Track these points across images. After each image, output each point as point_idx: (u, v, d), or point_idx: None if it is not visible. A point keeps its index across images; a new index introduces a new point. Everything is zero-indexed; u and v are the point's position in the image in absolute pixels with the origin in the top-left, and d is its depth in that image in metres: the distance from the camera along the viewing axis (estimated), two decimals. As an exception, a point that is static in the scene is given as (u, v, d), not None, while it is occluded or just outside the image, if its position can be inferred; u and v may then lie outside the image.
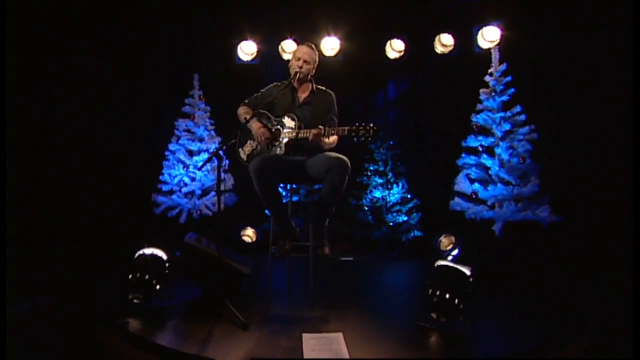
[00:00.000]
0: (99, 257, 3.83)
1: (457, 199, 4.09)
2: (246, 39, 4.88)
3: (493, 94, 4.11)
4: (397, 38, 4.82)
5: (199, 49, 4.86)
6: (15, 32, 3.23)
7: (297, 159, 2.90)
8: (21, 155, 3.71)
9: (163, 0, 4.53)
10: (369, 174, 4.94)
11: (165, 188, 4.61)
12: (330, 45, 4.86)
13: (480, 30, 4.56)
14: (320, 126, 2.72)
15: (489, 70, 4.20)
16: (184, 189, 4.59)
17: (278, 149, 2.89)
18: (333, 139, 2.91)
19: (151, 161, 4.68)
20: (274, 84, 3.09)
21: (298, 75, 2.93)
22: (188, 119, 4.72)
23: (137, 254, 3.02)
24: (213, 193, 4.51)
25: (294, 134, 2.85)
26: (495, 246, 3.70)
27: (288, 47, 4.94)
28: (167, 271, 2.97)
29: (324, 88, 3.10)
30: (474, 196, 3.96)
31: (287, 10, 4.74)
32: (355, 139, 2.59)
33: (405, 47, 4.84)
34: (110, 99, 4.58)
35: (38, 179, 4.03)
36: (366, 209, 4.89)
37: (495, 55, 4.17)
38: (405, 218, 4.80)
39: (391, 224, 4.81)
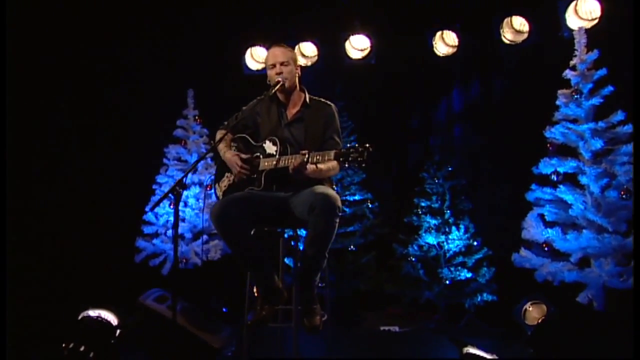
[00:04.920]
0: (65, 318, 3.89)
1: (523, 251, 3.62)
2: (255, 45, 4.96)
3: (577, 96, 3.66)
4: (449, 29, 4.67)
5: (195, 57, 4.94)
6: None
7: (279, 196, 2.81)
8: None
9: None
10: (420, 212, 4.72)
11: (149, 230, 4.62)
12: (358, 44, 4.80)
13: (572, 5, 4.15)
14: (303, 151, 2.61)
15: (571, 63, 3.77)
16: (170, 232, 4.58)
17: (256, 184, 2.83)
18: (331, 164, 2.76)
19: (135, 196, 4.72)
20: (258, 98, 3.02)
21: (284, 84, 2.85)
22: (179, 145, 4.77)
23: (80, 316, 3.11)
24: (206, 237, 4.47)
25: (273, 163, 2.77)
26: (586, 325, 3.04)
27: (307, 51, 4.97)
28: (112, 341, 2.98)
29: (321, 99, 3.00)
30: (546, 247, 3.42)
31: (304, 6, 4.80)
32: (345, 164, 2.49)
33: (459, 39, 4.66)
34: (87, 118, 4.77)
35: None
36: (414, 259, 4.61)
37: (580, 40, 3.72)
38: (470, 275, 4.47)
39: (448, 281, 4.48)
